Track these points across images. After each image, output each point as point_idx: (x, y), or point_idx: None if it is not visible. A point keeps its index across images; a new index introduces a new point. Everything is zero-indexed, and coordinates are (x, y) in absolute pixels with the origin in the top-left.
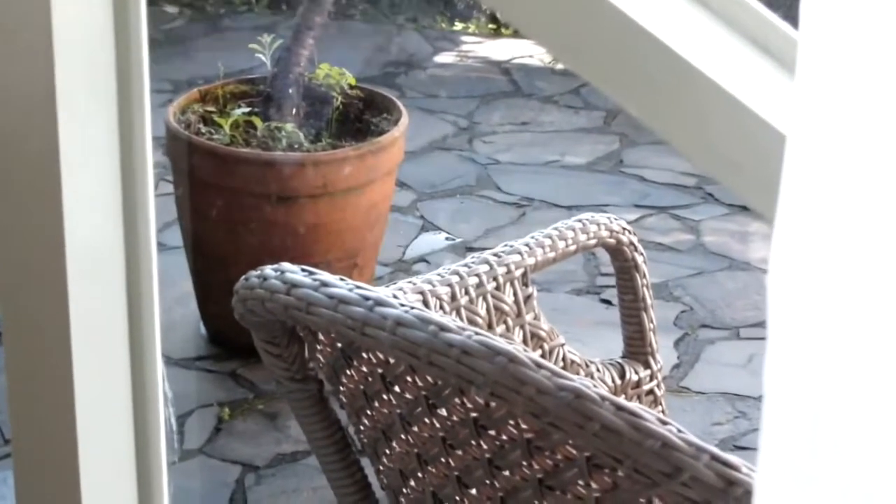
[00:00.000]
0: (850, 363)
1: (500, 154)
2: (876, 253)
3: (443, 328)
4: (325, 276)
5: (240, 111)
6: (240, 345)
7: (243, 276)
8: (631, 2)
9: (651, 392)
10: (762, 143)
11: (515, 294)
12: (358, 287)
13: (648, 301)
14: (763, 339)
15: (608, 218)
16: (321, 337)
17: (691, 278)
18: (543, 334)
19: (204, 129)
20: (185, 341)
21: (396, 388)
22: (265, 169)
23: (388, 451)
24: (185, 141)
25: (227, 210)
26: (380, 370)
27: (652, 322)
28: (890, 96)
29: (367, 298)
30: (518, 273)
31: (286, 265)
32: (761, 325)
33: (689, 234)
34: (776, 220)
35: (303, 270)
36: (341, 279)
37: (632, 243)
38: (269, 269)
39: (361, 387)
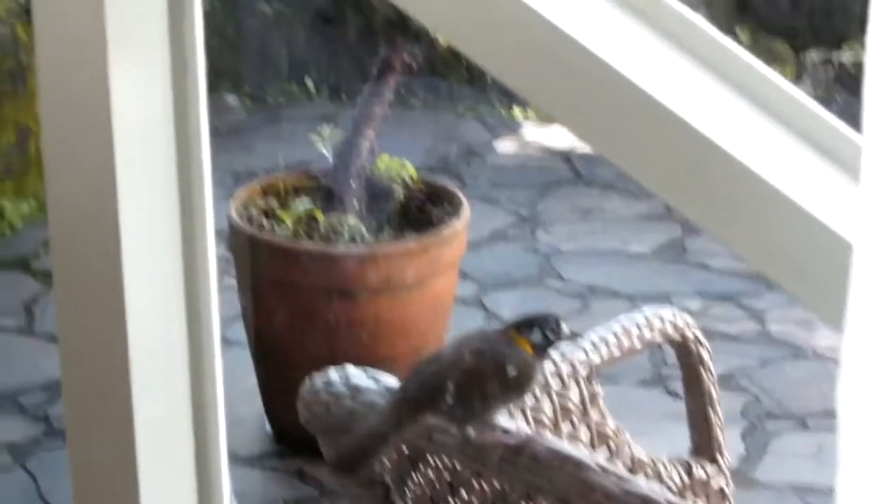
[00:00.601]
0: None
1: (563, 243)
2: None
3: (510, 434)
4: (389, 379)
5: (302, 205)
6: (305, 442)
7: (307, 380)
8: (694, 113)
9: (720, 490)
10: (827, 251)
11: (581, 393)
12: None
13: (715, 397)
14: (832, 429)
15: (673, 313)
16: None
17: (757, 368)
18: (610, 433)
19: (266, 224)
20: (250, 438)
21: (463, 493)
22: (328, 263)
23: None
24: (248, 236)
25: (290, 305)
26: (447, 475)
27: (719, 418)
28: None
29: None
30: (583, 372)
31: (350, 368)
32: (829, 414)
33: (754, 322)
34: (847, 321)
35: (367, 374)
36: (407, 381)
37: (697, 339)
38: (333, 374)
39: (428, 492)
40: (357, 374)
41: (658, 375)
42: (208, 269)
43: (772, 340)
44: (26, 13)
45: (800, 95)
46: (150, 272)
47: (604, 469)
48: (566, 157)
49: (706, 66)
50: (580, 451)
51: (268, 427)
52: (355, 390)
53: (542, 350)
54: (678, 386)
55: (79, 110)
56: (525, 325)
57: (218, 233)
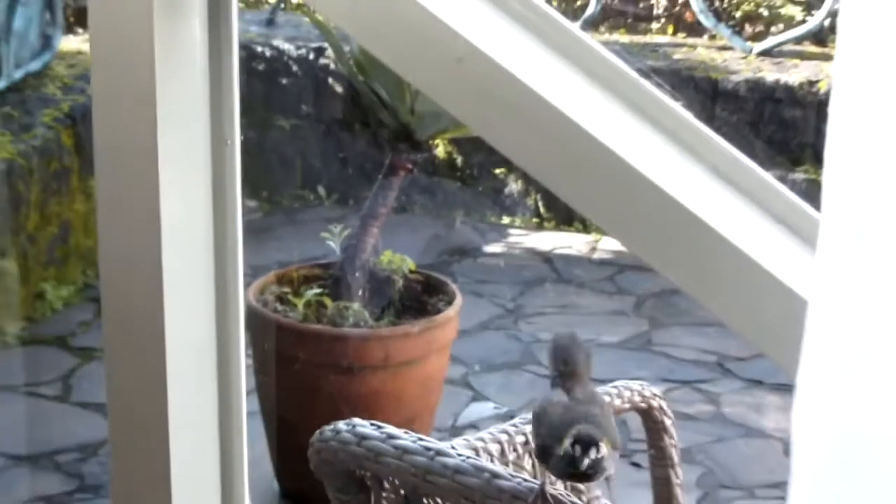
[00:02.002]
0: None
1: (542, 333)
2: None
3: (495, 475)
4: (391, 429)
5: (312, 292)
6: (308, 498)
7: (318, 432)
8: (683, 191)
9: None
10: (787, 308)
11: None
12: (420, 439)
13: (675, 459)
14: (777, 498)
15: (640, 385)
16: (386, 485)
17: (712, 444)
18: (582, 487)
19: (280, 308)
20: (261, 495)
21: None
22: (334, 343)
23: None
24: (263, 317)
25: (299, 379)
26: None
27: (679, 479)
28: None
29: (428, 449)
30: None
31: (357, 420)
32: (776, 486)
33: (710, 405)
34: (799, 372)
35: (372, 425)
36: (406, 432)
37: (661, 408)
38: (341, 424)
39: None
40: (362, 424)
41: (623, 449)
42: (239, 348)
43: (725, 421)
44: (69, 118)
45: (768, 177)
46: (188, 350)
47: None
48: (546, 258)
49: (686, 150)
50: (559, 491)
51: (276, 486)
52: (361, 437)
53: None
54: (641, 458)
55: (132, 215)
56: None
57: None
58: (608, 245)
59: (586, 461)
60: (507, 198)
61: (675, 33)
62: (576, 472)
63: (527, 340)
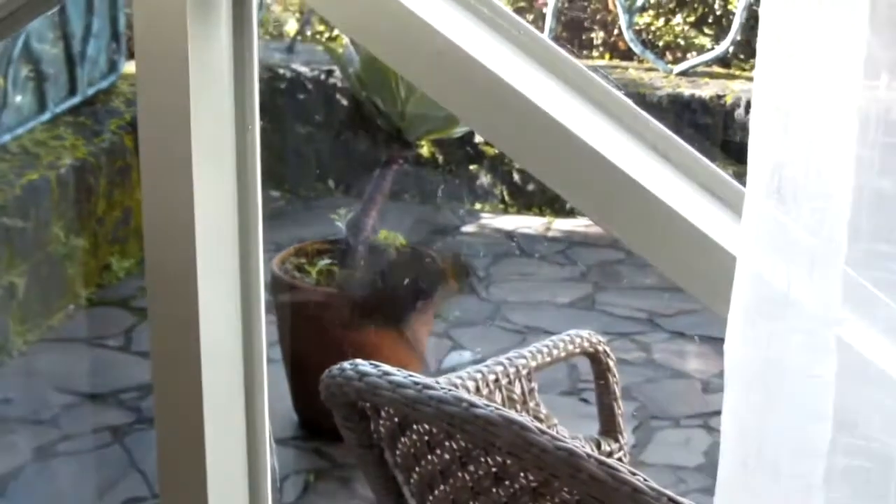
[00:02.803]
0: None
1: (509, 296)
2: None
3: (472, 405)
4: (386, 367)
5: (323, 262)
6: (322, 429)
7: (327, 371)
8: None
9: (620, 460)
10: (716, 261)
11: (522, 387)
12: (410, 376)
13: (617, 393)
14: (697, 426)
15: (588, 333)
16: (383, 414)
17: (645, 384)
18: (543, 416)
19: (297, 275)
20: (282, 426)
21: (437, 451)
22: (341, 302)
23: (431, 499)
24: (284, 282)
25: (313, 332)
26: (425, 437)
27: (621, 409)
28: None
29: (416, 383)
30: (524, 372)
31: (358, 360)
32: (697, 416)
33: (642, 352)
34: (729, 321)
35: (370, 364)
36: (398, 370)
37: (605, 351)
38: (346, 364)
39: (411, 451)
40: (363, 363)
41: (574, 388)
42: (260, 310)
43: (655, 365)
44: (131, 126)
45: (696, 153)
46: (217, 305)
47: (541, 431)
48: (511, 236)
49: (629, 131)
50: (524, 417)
51: (294, 417)
52: (362, 374)
53: None
54: (589, 395)
55: (168, 210)
56: None
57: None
58: (560, 226)
59: None
60: (479, 188)
61: (611, 58)
62: None
63: (496, 302)
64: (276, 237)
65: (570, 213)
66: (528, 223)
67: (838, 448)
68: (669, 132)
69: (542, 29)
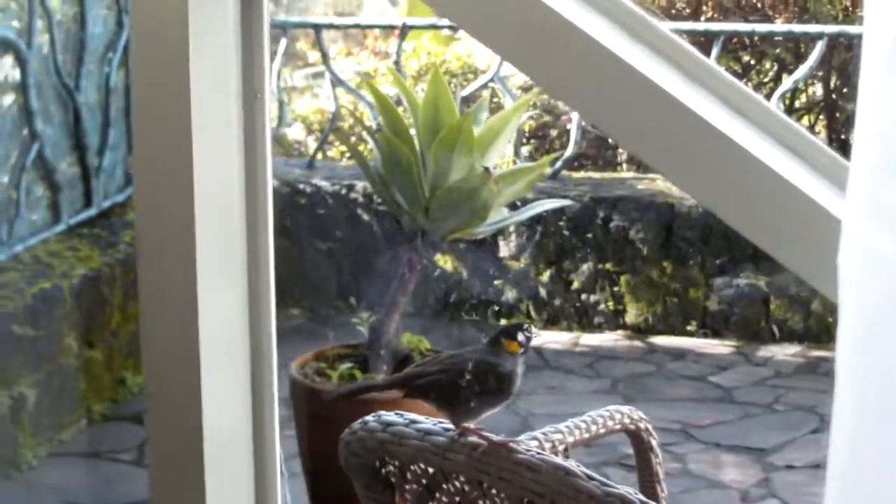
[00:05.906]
0: None
1: (536, 408)
2: None
3: (511, 451)
4: (412, 416)
5: (344, 366)
6: None
7: (348, 428)
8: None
9: None
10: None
11: None
12: (440, 422)
13: (661, 475)
14: None
15: (629, 409)
16: (409, 476)
17: (681, 494)
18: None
19: (318, 379)
20: None
21: None
22: (363, 406)
23: None
24: (303, 387)
25: (332, 438)
26: (457, 498)
27: (664, 491)
28: None
29: (447, 430)
30: (561, 448)
31: (382, 412)
32: None
33: (677, 463)
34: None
35: (396, 414)
36: (426, 418)
37: (648, 429)
38: (369, 417)
39: None
40: (387, 414)
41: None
42: (273, 422)
43: (691, 475)
44: None
45: (798, 126)
46: (226, 426)
47: (588, 476)
48: (538, 351)
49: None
50: (569, 462)
51: None
52: (387, 424)
53: (525, 348)
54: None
55: (171, 319)
56: (509, 332)
57: (283, 400)
58: (587, 340)
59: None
60: (504, 304)
61: (637, 170)
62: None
63: (523, 415)
64: (294, 354)
65: (598, 328)
66: (556, 338)
67: None
68: (775, 109)
69: (566, 146)
